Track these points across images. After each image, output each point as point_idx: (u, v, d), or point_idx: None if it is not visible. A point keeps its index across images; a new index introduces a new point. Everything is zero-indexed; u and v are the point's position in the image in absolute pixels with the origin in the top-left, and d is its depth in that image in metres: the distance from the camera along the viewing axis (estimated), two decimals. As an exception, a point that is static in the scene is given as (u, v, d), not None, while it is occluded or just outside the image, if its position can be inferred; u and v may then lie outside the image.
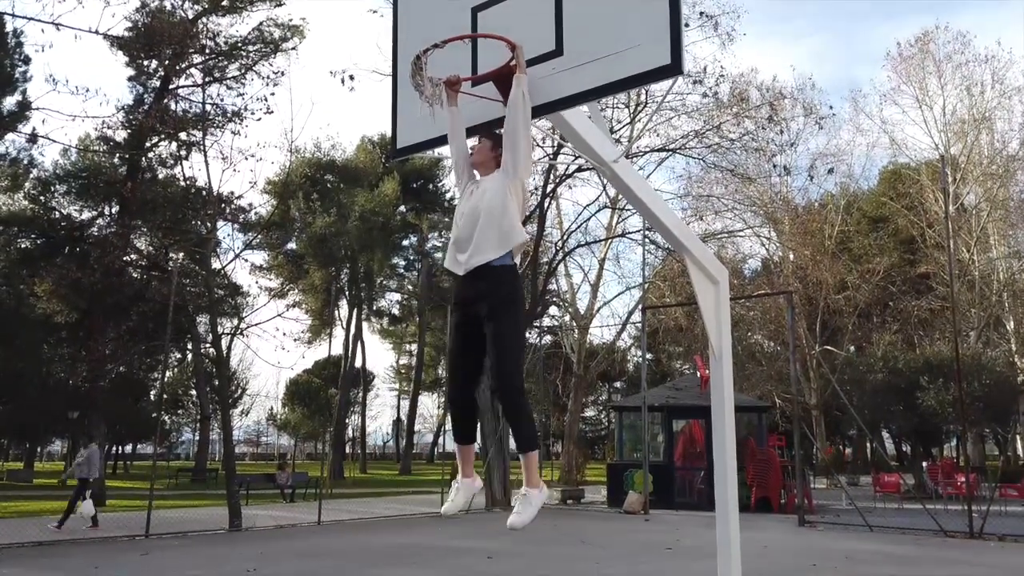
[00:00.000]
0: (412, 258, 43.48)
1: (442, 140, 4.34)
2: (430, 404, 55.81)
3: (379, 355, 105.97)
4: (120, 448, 44.04)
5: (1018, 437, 31.10)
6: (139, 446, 47.81)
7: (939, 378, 18.89)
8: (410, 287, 44.67)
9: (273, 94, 33.97)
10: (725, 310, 5.79)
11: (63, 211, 24.88)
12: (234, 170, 19.95)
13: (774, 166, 23.42)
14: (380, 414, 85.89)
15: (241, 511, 12.91)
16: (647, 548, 10.30)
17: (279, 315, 15.77)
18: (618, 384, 48.29)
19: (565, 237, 23.35)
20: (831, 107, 35.98)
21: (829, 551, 9.96)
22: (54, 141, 25.29)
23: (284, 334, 17.04)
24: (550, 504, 18.20)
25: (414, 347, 49.03)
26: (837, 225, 28.56)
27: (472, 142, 3.61)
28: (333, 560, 9.24)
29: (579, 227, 23.44)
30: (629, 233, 23.72)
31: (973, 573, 8.30)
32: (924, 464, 22.45)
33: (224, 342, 15.97)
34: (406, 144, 4.57)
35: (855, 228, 29.49)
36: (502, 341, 3.07)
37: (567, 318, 27.21)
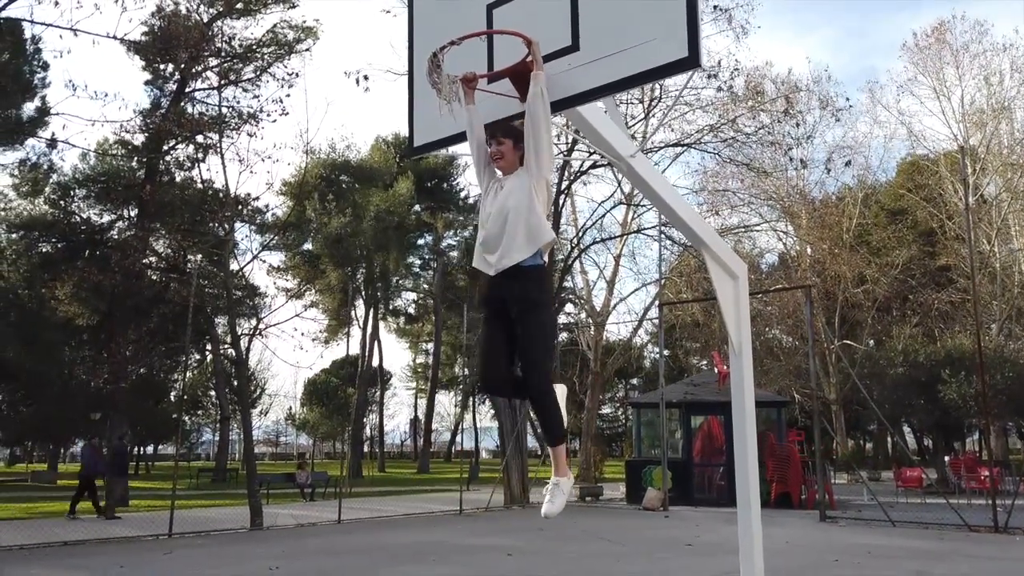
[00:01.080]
0: (427, 257, 43.59)
1: (459, 138, 4.34)
2: (447, 403, 55.95)
3: (396, 354, 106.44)
4: (142, 449, 44.54)
5: (1042, 430, 30.69)
6: (160, 447, 48.32)
7: (961, 371, 18.69)
8: (426, 286, 44.78)
9: (288, 95, 34.08)
10: (744, 305, 5.75)
11: (83, 215, 25.16)
12: (251, 172, 20.04)
13: (790, 159, 23.25)
14: (397, 413, 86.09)
15: (262, 510, 13.01)
16: (667, 545, 10.28)
17: (297, 315, 15.84)
18: (635, 381, 48.19)
19: (581, 234, 23.33)
20: (847, 99, 35.52)
21: (851, 547, 9.88)
22: (73, 146, 25.46)
23: (302, 334, 17.11)
24: (569, 501, 18.18)
25: (431, 346, 49.14)
26: (855, 218, 28.30)
27: (492, 144, 3.59)
28: (354, 557, 9.29)
29: (594, 224, 23.41)
30: (645, 229, 23.67)
31: (1000, 568, 8.21)
32: (946, 458, 22.23)
33: (243, 343, 16.07)
34: (423, 143, 4.58)
35: (873, 221, 29.21)
36: (533, 343, 3.10)
37: (583, 315, 27.18)
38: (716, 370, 18.69)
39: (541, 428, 3.23)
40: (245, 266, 21.75)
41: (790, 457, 16.35)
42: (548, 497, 3.21)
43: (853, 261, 26.50)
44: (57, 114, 18.24)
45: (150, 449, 48.20)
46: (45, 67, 20.80)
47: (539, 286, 3.22)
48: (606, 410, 47.58)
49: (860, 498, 16.85)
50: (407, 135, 4.69)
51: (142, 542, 10.96)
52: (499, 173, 3.53)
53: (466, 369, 36.67)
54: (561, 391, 3.36)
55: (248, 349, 18.57)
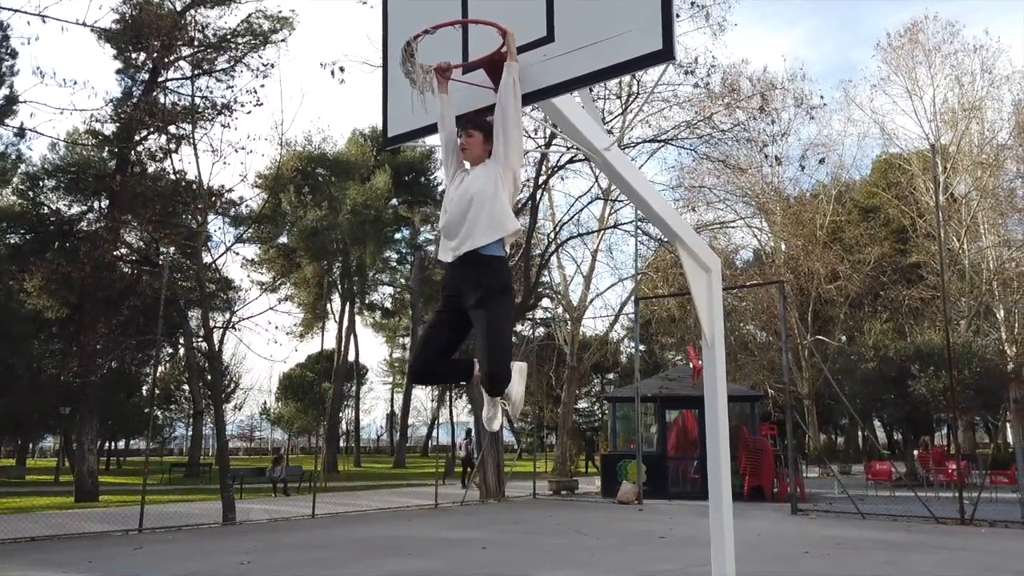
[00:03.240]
0: (404, 251, 43.40)
1: (433, 129, 4.31)
2: (424, 397, 55.81)
3: (372, 349, 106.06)
4: (113, 444, 43.91)
5: (1008, 425, 31.32)
6: (132, 442, 47.70)
7: (930, 366, 18.99)
8: (403, 280, 44.60)
9: (263, 86, 33.67)
10: (718, 298, 5.80)
11: (52, 206, 24.73)
12: (224, 163, 19.77)
13: (766, 156, 23.46)
14: (374, 408, 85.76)
15: (235, 505, 12.90)
16: (641, 537, 10.34)
17: (271, 308, 15.72)
18: (611, 376, 48.40)
19: (558, 229, 23.36)
20: (822, 97, 35.92)
21: (822, 538, 10.02)
22: (42, 135, 25.08)
23: (276, 328, 16.99)
24: (544, 495, 18.24)
25: (407, 340, 49.00)
26: (829, 215, 28.64)
27: (461, 134, 3.54)
28: (327, 552, 9.24)
29: (572, 219, 23.45)
30: (622, 224, 23.77)
31: (965, 558, 8.36)
32: (915, 452, 22.62)
33: (216, 336, 15.90)
34: (397, 133, 4.56)
35: (847, 218, 29.57)
36: (493, 330, 3.02)
37: (560, 310, 27.24)
38: (691, 365, 18.84)
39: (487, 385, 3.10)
40: (218, 258, 21.47)
41: (763, 451, 16.53)
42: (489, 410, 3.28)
43: (826, 258, 26.83)
44: (25, 102, 17.88)
45: (121, 444, 47.54)
46: (13, 55, 20.38)
47: (499, 276, 3.14)
48: (582, 404, 47.75)
49: (831, 491, 17.10)
50: (381, 130, 4.67)
51: (111, 537, 10.81)
52: (467, 164, 3.51)
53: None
54: (521, 369, 3.29)
55: (222, 343, 18.37)
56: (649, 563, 8.20)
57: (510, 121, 3.30)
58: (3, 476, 29.20)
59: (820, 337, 27.97)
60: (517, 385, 3.23)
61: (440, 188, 40.41)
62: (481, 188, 3.21)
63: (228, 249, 18.44)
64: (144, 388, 31.58)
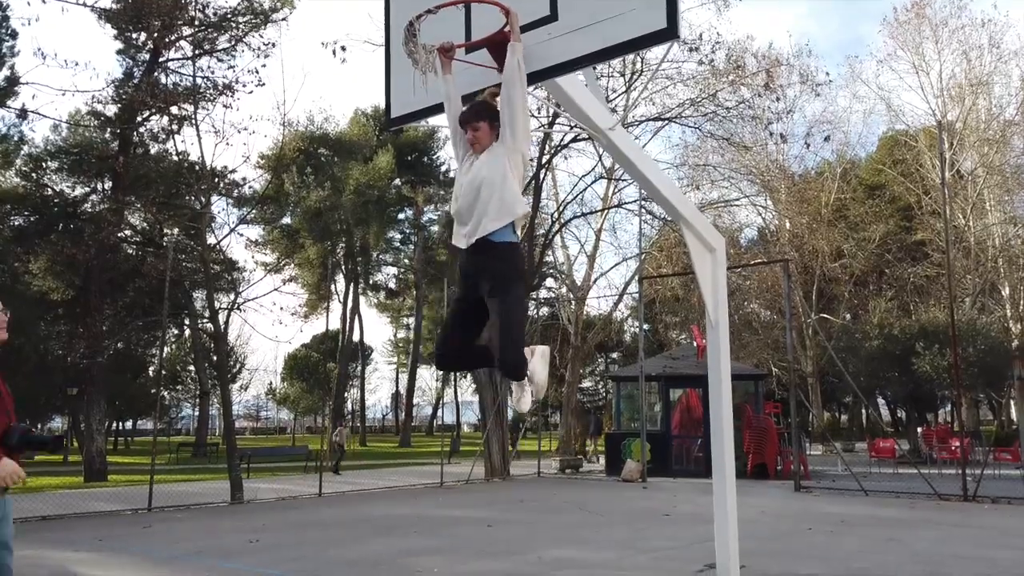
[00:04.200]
0: (408, 231, 43.37)
1: (437, 109, 4.30)
2: (428, 377, 56.02)
3: (377, 329, 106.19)
4: (120, 424, 44.27)
5: (1012, 402, 31.36)
6: (139, 422, 48.06)
7: (934, 344, 18.99)
8: (406, 260, 44.62)
9: (264, 66, 33.58)
10: (721, 278, 5.80)
11: (56, 188, 24.72)
12: (227, 143, 19.71)
13: (770, 134, 23.30)
14: (379, 387, 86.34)
15: (243, 484, 13.02)
16: (646, 514, 10.43)
17: (276, 289, 15.75)
18: (615, 355, 48.48)
19: (561, 208, 23.30)
20: (828, 73, 35.52)
21: (825, 515, 10.09)
22: (44, 116, 25.04)
23: (281, 308, 17.04)
24: (549, 473, 18.37)
25: (411, 320, 49.11)
26: (834, 193, 28.51)
27: (467, 131, 3.50)
28: (334, 530, 9.34)
29: (575, 198, 23.38)
30: (625, 203, 23.67)
31: (967, 535, 8.42)
32: (919, 430, 22.68)
33: (221, 317, 15.94)
34: (400, 113, 4.54)
35: (852, 196, 29.43)
36: (505, 318, 3.09)
37: (564, 290, 27.23)
38: (695, 343, 18.87)
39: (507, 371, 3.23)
40: (222, 239, 21.46)
41: (767, 429, 16.60)
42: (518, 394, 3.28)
43: (831, 236, 26.74)
44: (27, 83, 17.83)
45: (129, 424, 47.92)
46: (13, 35, 20.29)
47: (511, 264, 3.20)
48: (586, 384, 47.90)
49: (835, 469, 17.17)
50: (384, 110, 4.65)
51: (121, 516, 10.93)
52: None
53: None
54: (543, 352, 3.38)
55: (227, 323, 18.42)
56: (654, 539, 8.27)
57: (516, 104, 3.29)
58: (13, 456, 29.48)
59: (824, 315, 27.95)
60: (540, 369, 3.32)
61: (443, 168, 40.33)
62: (490, 174, 3.21)
63: (232, 230, 18.49)
64: (151, 369, 31.77)
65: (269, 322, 63.29)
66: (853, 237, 27.38)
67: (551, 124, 19.23)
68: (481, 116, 3.39)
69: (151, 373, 31.61)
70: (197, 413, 40.33)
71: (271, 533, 9.06)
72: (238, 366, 45.08)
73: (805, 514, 10.31)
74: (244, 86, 16.90)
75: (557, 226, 23.36)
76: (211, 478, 17.24)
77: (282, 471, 19.59)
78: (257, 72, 20.76)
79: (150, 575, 6.47)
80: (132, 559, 7.35)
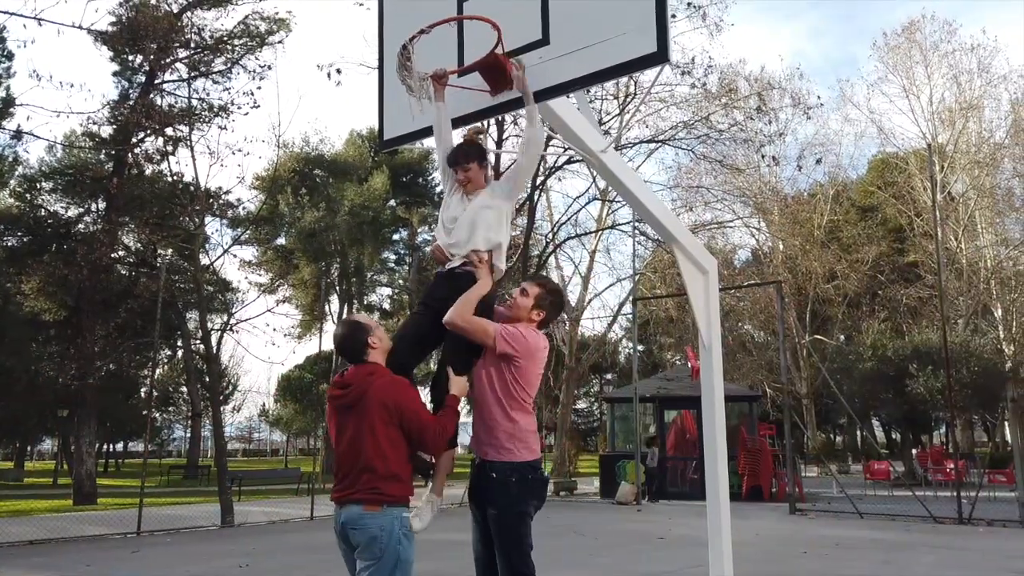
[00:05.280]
0: (402, 252, 43.36)
1: (428, 132, 4.32)
2: (424, 397, 55.80)
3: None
4: (111, 446, 43.87)
5: (1006, 423, 31.37)
6: (130, 444, 47.66)
7: (928, 365, 19.01)
8: (401, 281, 44.55)
9: (260, 87, 33.78)
10: (714, 300, 5.80)
11: (50, 208, 24.69)
12: (221, 165, 19.74)
13: (763, 156, 23.48)
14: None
15: (233, 507, 12.88)
16: (640, 538, 10.35)
17: (269, 311, 15.73)
18: (609, 376, 48.40)
19: (555, 229, 23.37)
20: (819, 97, 35.88)
21: (820, 538, 10.02)
22: (39, 137, 24.90)
23: (274, 329, 17.06)
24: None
25: (405, 341, 48.93)
26: (826, 215, 28.67)
27: (457, 172, 3.55)
28: (325, 554, 9.21)
29: (569, 219, 23.47)
30: (619, 224, 23.77)
31: (962, 558, 8.37)
32: (914, 451, 22.64)
33: (214, 338, 15.88)
34: (393, 136, 4.56)
35: (844, 217, 29.62)
36: (458, 343, 3.21)
37: (558, 310, 27.24)
38: (690, 365, 18.85)
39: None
40: (216, 260, 21.40)
41: (761, 450, 16.54)
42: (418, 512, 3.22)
43: (824, 257, 26.85)
44: (22, 105, 17.85)
45: (120, 446, 47.49)
46: (9, 57, 20.35)
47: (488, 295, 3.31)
48: (581, 405, 47.76)
49: (830, 491, 17.11)
50: (377, 133, 4.67)
51: (109, 540, 10.79)
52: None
53: (441, 364, 36.69)
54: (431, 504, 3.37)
55: (219, 345, 18.32)
56: (648, 564, 8.20)
57: (527, 167, 3.53)
58: (1, 479, 29.17)
59: (818, 336, 27.99)
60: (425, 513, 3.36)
61: (437, 189, 40.38)
62: (486, 221, 3.36)
63: (226, 251, 18.41)
64: (142, 390, 31.54)
65: (262, 343, 63.07)
66: (846, 258, 27.49)
67: (545, 147, 19.35)
68: (471, 157, 3.51)
69: (142, 394, 31.39)
70: (189, 435, 40.03)
71: (262, 557, 8.95)
72: (230, 387, 44.83)
73: (800, 537, 10.25)
74: (239, 108, 16.99)
75: (552, 247, 23.41)
76: (202, 501, 17.07)
77: (274, 493, 19.40)
78: (252, 94, 20.73)
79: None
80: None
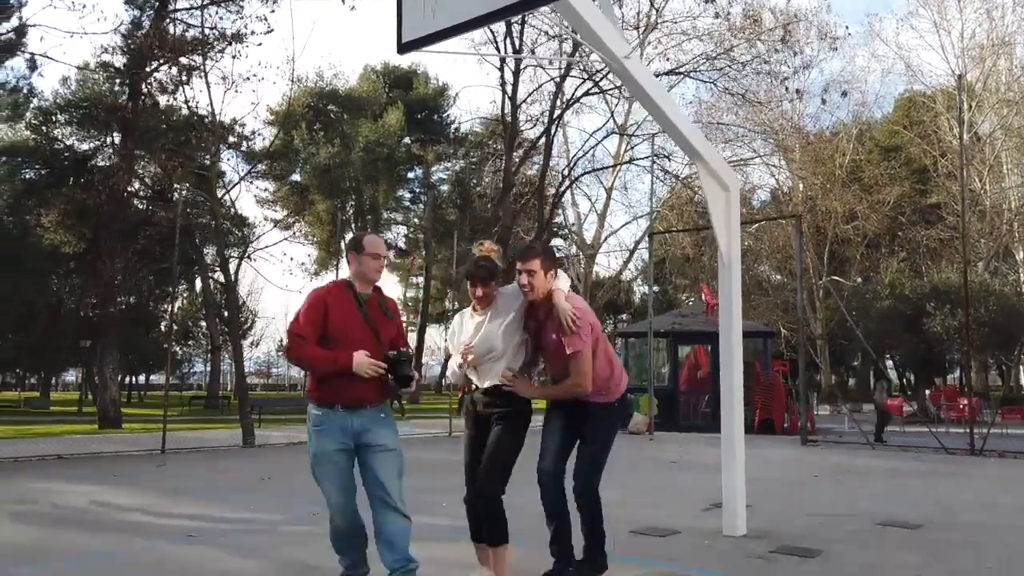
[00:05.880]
0: (417, 190, 43.20)
1: (449, 32, 4.25)
2: (437, 336, 56.27)
3: (386, 287, 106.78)
4: (134, 378, 44.82)
5: (1021, 367, 31.29)
6: (152, 377, 48.64)
7: (946, 304, 18.90)
8: (416, 219, 44.51)
9: (273, 11, 33.09)
10: (735, 217, 5.74)
11: (66, 142, 24.68)
12: (236, 91, 19.43)
13: (786, 89, 22.96)
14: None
15: (254, 430, 13.20)
16: (652, 462, 10.52)
17: (285, 239, 15.78)
18: (624, 316, 48.52)
19: (572, 165, 23.15)
20: (847, 27, 34.68)
21: (832, 465, 10.15)
22: (53, 60, 24.68)
23: (291, 259, 17.12)
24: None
25: (421, 279, 49.14)
26: (848, 154, 28.17)
27: (520, 275, 3.73)
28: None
29: (586, 155, 23.21)
30: (637, 160, 23.50)
31: (972, 484, 8.45)
32: (927, 392, 22.68)
33: (232, 267, 15.99)
34: (412, 38, 4.47)
35: (867, 157, 29.09)
36: (498, 447, 3.74)
37: (573, 249, 27.19)
38: (704, 300, 18.84)
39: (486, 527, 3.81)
40: (231, 188, 21.37)
41: (774, 385, 16.63)
42: None
43: (845, 197, 26.49)
44: (35, 25, 17.63)
45: (142, 379, 48.53)
46: (21, -18, 20.02)
47: (519, 404, 3.80)
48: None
49: (842, 426, 17.23)
50: (395, 36, 4.57)
51: (135, 457, 11.12)
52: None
53: (456, 303, 36.84)
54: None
55: (237, 274, 18.44)
56: (659, 483, 8.36)
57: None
58: (28, 406, 29.97)
59: (835, 278, 27.82)
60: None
61: (453, 126, 39.95)
62: (503, 346, 3.73)
63: (241, 179, 18.33)
64: (162, 324, 32.04)
65: (279, 272, 63.29)
66: (867, 199, 27.10)
67: (563, 78, 19.01)
68: (495, 275, 3.77)
69: (163, 328, 31.89)
70: (209, 368, 40.77)
71: (284, 472, 9.20)
72: (249, 321, 45.41)
73: (812, 464, 10.38)
74: (253, 33, 16.73)
75: (568, 183, 23.23)
76: (223, 427, 17.48)
77: (293, 421, 19.82)
78: (266, 19, 20.46)
79: (165, 502, 6.60)
80: (147, 491, 7.49)
